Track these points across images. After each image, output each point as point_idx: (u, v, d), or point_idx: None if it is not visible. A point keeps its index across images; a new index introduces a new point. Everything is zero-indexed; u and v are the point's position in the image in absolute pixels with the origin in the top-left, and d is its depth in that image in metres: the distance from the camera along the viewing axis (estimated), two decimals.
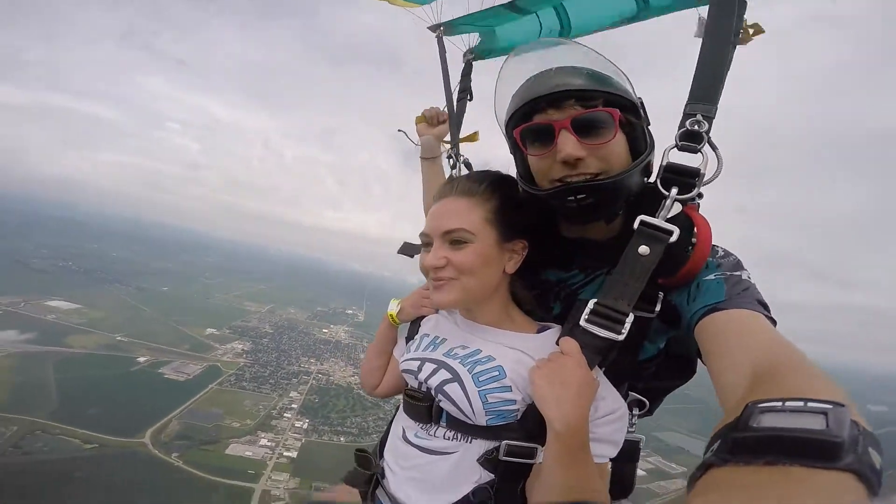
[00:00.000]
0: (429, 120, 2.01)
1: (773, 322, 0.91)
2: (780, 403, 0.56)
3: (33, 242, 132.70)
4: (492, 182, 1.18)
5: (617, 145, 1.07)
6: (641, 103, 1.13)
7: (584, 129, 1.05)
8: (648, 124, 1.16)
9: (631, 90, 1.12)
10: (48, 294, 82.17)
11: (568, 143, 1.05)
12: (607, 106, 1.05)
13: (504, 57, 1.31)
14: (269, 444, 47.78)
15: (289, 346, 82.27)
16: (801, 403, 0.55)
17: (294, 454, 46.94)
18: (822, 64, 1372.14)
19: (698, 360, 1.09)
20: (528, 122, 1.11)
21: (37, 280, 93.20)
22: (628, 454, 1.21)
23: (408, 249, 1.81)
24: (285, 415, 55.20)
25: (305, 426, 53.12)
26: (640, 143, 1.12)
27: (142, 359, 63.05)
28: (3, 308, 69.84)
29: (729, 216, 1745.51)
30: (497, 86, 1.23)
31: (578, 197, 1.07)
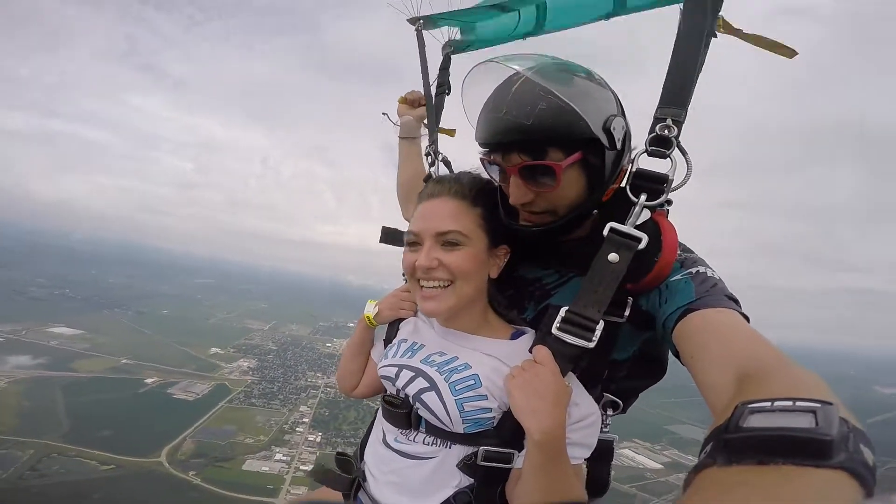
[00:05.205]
0: (410, 102, 2.02)
1: (746, 318, 0.94)
2: (769, 403, 0.57)
3: (30, 272, 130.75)
4: (481, 188, 1.21)
5: (565, 189, 1.10)
6: (610, 128, 1.08)
7: (530, 176, 1.09)
8: (620, 147, 1.12)
9: (599, 116, 1.06)
10: (49, 321, 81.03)
11: (515, 190, 1.11)
12: (559, 148, 1.06)
13: (482, 49, 1.38)
14: (284, 458, 47.22)
15: (294, 361, 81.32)
16: (789, 403, 0.55)
17: (310, 468, 46.34)
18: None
19: (671, 360, 1.15)
20: (488, 156, 1.17)
21: (36, 308, 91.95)
22: (602, 454, 1.23)
23: (391, 237, 1.67)
24: (297, 429, 54.62)
25: (319, 439, 52.45)
26: (599, 175, 1.12)
27: (149, 380, 62.27)
28: (5, 335, 68.94)
29: (723, 210, 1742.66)
30: (463, 91, 1.21)
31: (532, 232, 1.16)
